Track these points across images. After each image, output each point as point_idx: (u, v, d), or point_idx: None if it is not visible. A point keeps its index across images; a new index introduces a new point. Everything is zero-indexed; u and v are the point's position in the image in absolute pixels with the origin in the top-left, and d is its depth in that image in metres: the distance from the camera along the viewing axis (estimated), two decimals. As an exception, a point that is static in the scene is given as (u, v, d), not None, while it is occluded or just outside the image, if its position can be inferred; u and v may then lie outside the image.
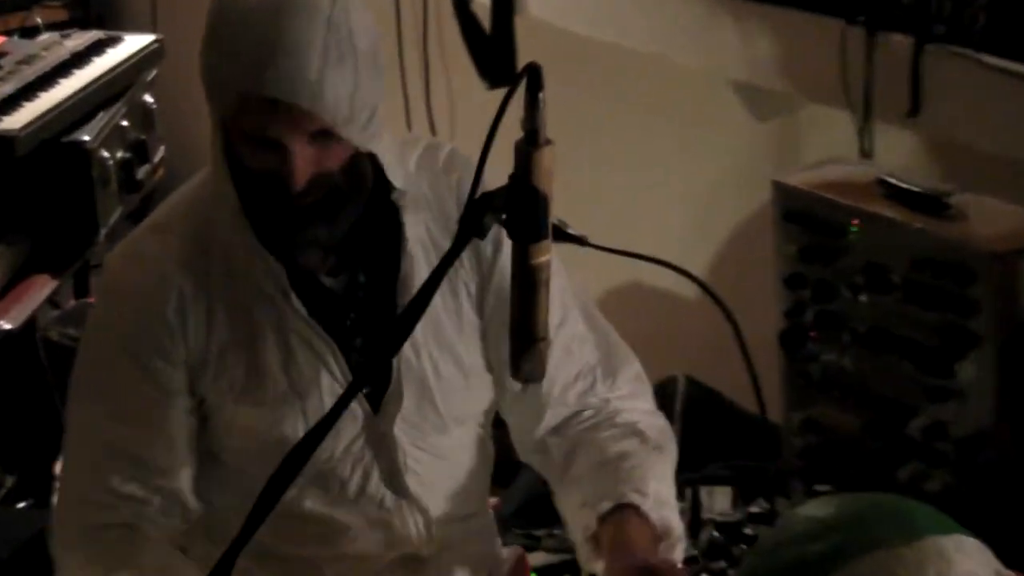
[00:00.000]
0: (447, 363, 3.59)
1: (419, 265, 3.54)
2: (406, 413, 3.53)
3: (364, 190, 3.47)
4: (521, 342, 2.83)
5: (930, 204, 4.20)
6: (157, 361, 3.49)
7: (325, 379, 3.50)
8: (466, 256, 3.57)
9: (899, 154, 4.77)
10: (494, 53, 5.32)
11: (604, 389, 3.72)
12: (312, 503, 3.58)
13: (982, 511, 3.06)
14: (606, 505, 3.49)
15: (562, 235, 2.88)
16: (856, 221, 4.29)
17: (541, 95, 2.71)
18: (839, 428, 4.38)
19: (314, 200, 3.37)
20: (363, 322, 3.57)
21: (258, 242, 3.44)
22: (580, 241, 2.94)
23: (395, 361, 3.51)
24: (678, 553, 3.64)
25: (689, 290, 4.09)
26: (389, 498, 3.58)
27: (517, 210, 2.78)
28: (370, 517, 3.59)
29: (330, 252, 3.49)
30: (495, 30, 5.27)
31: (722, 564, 4.16)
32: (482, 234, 2.76)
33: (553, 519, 4.00)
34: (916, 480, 4.16)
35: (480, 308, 3.62)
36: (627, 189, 5.13)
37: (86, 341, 3.69)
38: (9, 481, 5.81)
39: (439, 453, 3.61)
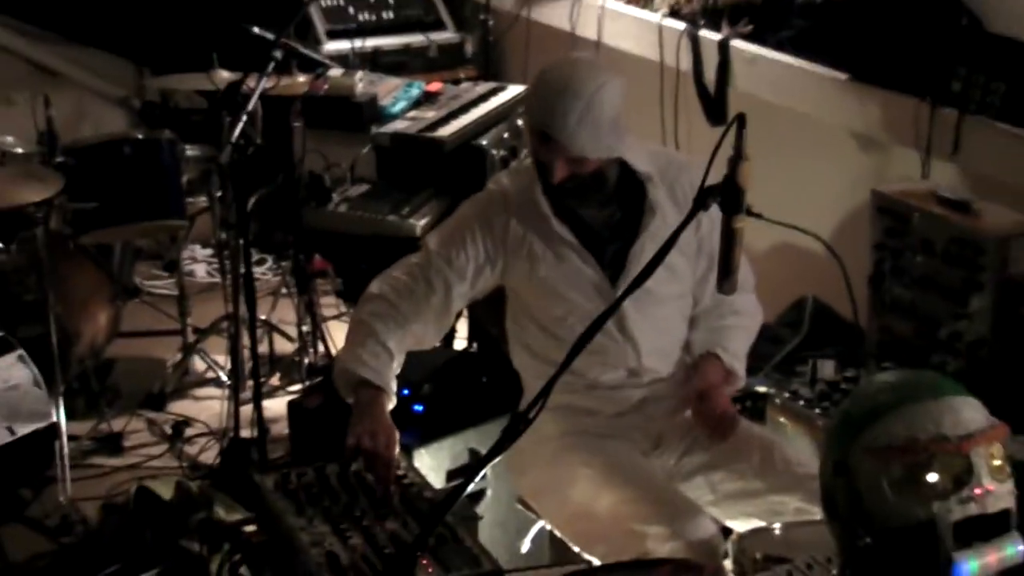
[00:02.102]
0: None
1: (659, 211, 3.97)
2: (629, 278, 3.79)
3: (608, 180, 3.93)
4: (725, 271, 3.19)
5: (961, 206, 4.42)
6: (481, 236, 4.01)
7: (586, 270, 3.99)
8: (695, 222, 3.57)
9: (945, 177, 4.88)
10: (716, 108, 5.61)
11: None
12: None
13: (982, 385, 3.05)
14: (701, 351, 4.10)
15: (750, 212, 3.16)
16: (917, 213, 4.47)
17: (744, 131, 3.07)
18: (899, 332, 4.59)
19: (569, 187, 3.90)
20: (615, 238, 4.02)
21: (544, 197, 3.97)
22: (759, 216, 3.24)
23: (634, 255, 3.97)
24: (737, 385, 4.10)
25: (820, 248, 4.07)
26: (618, 336, 4.00)
27: (728, 196, 3.11)
28: (607, 344, 3.97)
29: (595, 203, 3.97)
30: (716, 95, 5.58)
31: (827, 404, 4.39)
32: (706, 208, 3.12)
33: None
34: (942, 365, 4.35)
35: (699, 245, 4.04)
36: (786, 189, 5.14)
37: (467, 202, 4.15)
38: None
39: (650, 315, 3.99)
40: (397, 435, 3.69)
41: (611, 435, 4.05)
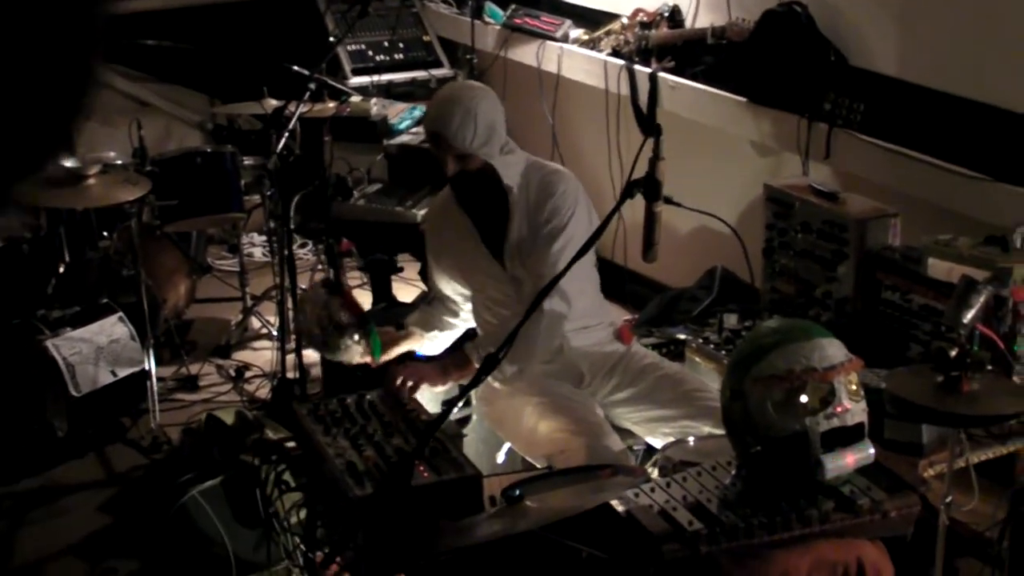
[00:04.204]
0: (527, 249, 3.93)
1: (514, 215, 3.95)
2: (512, 270, 3.98)
3: (488, 180, 3.92)
4: (647, 245, 3.12)
5: (831, 196, 4.36)
6: (433, 241, 4.21)
7: (477, 248, 4.03)
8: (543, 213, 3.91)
9: (820, 174, 4.81)
10: (648, 123, 5.48)
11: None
12: (495, 292, 4.06)
13: (847, 331, 3.21)
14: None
15: (670, 201, 3.20)
16: (798, 202, 4.42)
17: (662, 138, 3.10)
18: (785, 292, 4.51)
19: (460, 180, 3.95)
20: (489, 231, 4.03)
21: (454, 197, 4.06)
22: (674, 202, 3.27)
23: (508, 251, 3.96)
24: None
25: (727, 228, 4.12)
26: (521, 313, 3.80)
27: (649, 187, 3.14)
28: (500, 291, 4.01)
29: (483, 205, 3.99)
30: (648, 113, 5.50)
31: (731, 348, 4.34)
32: (632, 197, 3.10)
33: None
34: (817, 316, 4.30)
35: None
36: (701, 184, 5.16)
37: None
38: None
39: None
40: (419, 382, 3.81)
41: (546, 375, 4.03)
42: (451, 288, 4.19)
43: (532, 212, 3.95)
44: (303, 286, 5.88)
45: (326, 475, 3.23)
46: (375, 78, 6.82)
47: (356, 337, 3.93)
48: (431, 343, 4.20)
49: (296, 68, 5.63)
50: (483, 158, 3.88)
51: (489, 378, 3.35)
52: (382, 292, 5.72)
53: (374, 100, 6.04)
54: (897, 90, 4.67)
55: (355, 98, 6.08)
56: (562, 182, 3.96)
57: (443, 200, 4.19)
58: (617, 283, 6.07)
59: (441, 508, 3.00)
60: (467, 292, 4.18)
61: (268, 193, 5.94)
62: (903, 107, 4.64)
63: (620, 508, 2.89)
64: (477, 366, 3.73)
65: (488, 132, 3.85)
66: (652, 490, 2.97)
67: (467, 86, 4.08)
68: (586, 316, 4.08)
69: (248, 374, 5.87)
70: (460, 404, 4.00)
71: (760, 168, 5.44)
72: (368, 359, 3.99)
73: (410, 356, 4.15)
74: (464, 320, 4.23)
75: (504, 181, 3.93)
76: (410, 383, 3.77)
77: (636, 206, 3.18)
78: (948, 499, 3.24)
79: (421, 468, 3.13)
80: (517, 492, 2.88)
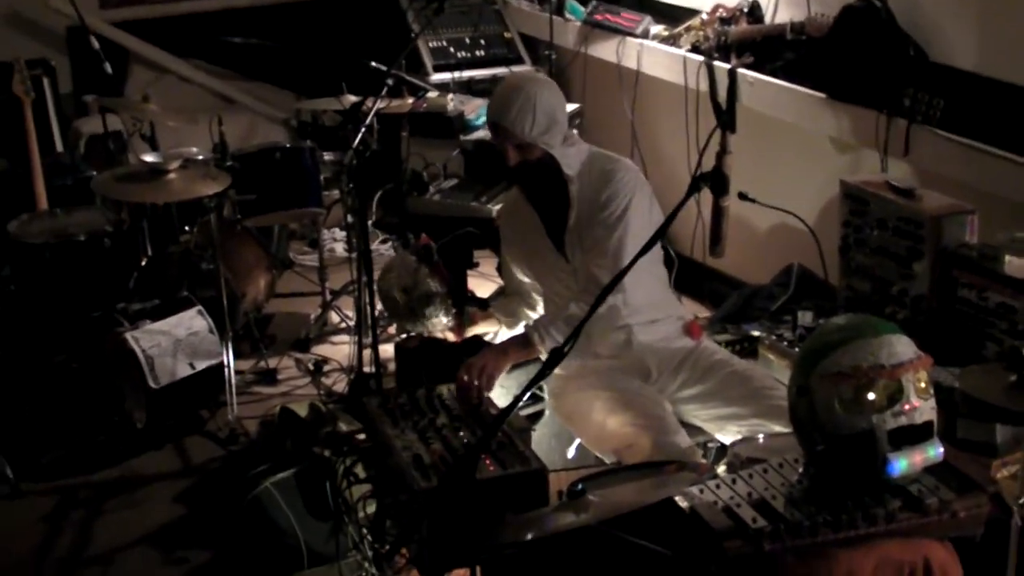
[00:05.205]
0: (586, 238, 3.93)
1: (574, 205, 3.94)
2: (574, 262, 3.98)
3: (549, 169, 3.89)
4: (714, 240, 3.49)
5: (907, 193, 4.34)
6: (506, 235, 4.22)
7: (542, 241, 4.05)
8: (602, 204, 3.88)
9: (898, 171, 4.80)
10: (727, 119, 5.09)
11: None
12: (560, 287, 4.06)
13: (922, 329, 3.29)
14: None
15: (745, 197, 3.31)
16: (874, 198, 4.40)
17: (730, 134, 3.45)
18: (861, 290, 4.49)
19: (522, 170, 3.90)
20: (552, 223, 4.03)
21: (520, 190, 4.08)
22: (750, 199, 3.39)
23: (568, 241, 3.97)
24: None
25: (801, 225, 4.19)
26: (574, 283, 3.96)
27: (716, 181, 3.05)
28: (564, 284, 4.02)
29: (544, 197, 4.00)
30: (727, 109, 5.18)
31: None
32: (699, 191, 3.04)
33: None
34: (893, 314, 4.29)
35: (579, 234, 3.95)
36: (779, 180, 5.13)
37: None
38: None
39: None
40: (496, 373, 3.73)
41: (614, 369, 4.01)
42: (525, 282, 4.20)
43: (591, 199, 3.93)
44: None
45: (392, 468, 3.23)
46: (456, 74, 6.83)
47: (444, 308, 3.96)
48: (507, 330, 4.22)
49: (374, 64, 5.65)
50: (543, 148, 3.87)
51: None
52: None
53: (451, 96, 6.07)
54: (977, 85, 4.61)
55: (432, 94, 6.10)
56: (621, 170, 3.95)
57: (515, 194, 4.19)
58: (695, 280, 6.00)
59: (506, 501, 2.99)
60: (539, 286, 4.17)
61: (346, 188, 5.92)
62: (983, 103, 4.58)
63: (683, 504, 2.87)
64: (539, 347, 3.80)
65: (548, 121, 3.84)
66: (717, 486, 2.95)
67: (526, 77, 4.06)
68: (653, 309, 4.07)
69: (326, 368, 5.88)
70: (530, 397, 3.99)
71: (839, 165, 5.38)
72: (450, 332, 4.04)
73: (479, 340, 4.17)
74: (540, 313, 4.22)
75: (564, 171, 3.92)
76: (482, 381, 3.71)
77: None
78: (1022, 500, 3.14)
79: (487, 461, 3.13)
80: (579, 487, 2.85)
